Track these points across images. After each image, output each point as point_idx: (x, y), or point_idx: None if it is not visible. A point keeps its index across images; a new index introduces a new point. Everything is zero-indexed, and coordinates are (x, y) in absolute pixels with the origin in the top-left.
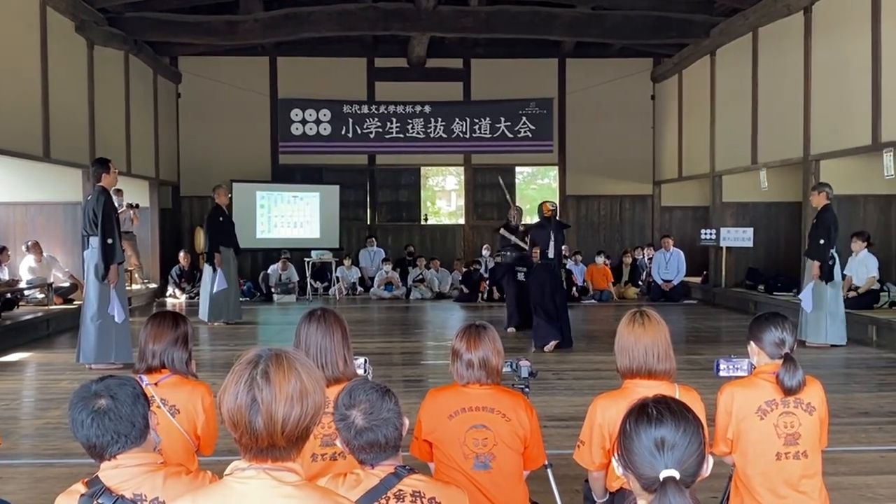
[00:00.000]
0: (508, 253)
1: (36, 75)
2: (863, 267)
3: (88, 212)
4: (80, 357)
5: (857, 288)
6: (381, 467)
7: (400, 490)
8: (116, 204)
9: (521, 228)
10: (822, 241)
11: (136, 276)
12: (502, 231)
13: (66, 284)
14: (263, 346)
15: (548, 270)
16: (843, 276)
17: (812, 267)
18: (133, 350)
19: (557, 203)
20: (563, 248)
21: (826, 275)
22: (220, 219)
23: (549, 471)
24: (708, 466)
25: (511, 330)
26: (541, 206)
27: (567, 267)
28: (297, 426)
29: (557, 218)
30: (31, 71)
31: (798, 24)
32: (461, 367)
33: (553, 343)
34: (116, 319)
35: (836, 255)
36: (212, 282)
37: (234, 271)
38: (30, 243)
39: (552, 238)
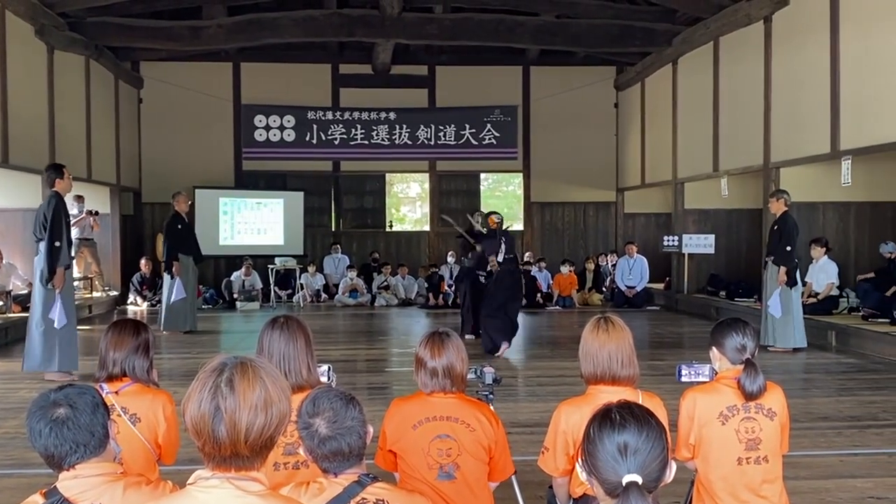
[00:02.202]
0: (465, 259)
1: None
2: (822, 273)
3: (39, 216)
4: (24, 365)
5: (816, 294)
6: (345, 476)
7: (363, 498)
8: (77, 210)
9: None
10: (788, 248)
11: (97, 283)
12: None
13: (25, 291)
14: (229, 354)
15: (509, 273)
16: (804, 283)
17: (779, 273)
18: (83, 360)
19: (503, 215)
20: (515, 252)
21: (792, 280)
22: (179, 226)
23: (513, 477)
24: (671, 472)
25: (469, 337)
26: (487, 217)
27: (531, 273)
28: (260, 435)
29: (504, 228)
30: None
31: (758, 33)
32: (425, 376)
33: (505, 345)
34: (56, 325)
35: (796, 259)
36: (169, 290)
37: (194, 280)
38: None
39: (501, 247)
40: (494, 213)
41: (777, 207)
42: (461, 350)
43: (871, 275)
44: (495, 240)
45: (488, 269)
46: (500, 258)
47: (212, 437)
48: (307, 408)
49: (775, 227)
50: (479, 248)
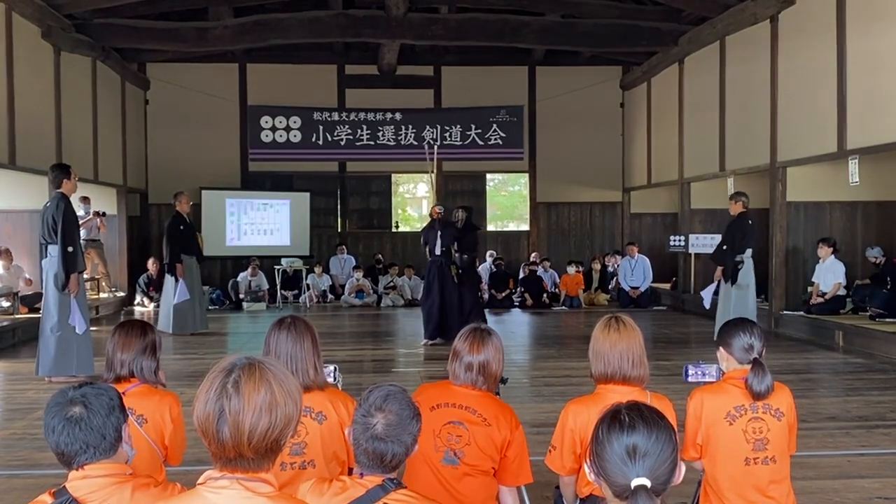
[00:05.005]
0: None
1: (1, 81)
2: (830, 273)
3: (47, 219)
4: (38, 369)
5: (823, 294)
6: (370, 478)
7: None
8: (83, 212)
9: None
10: (724, 248)
11: (104, 284)
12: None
13: (30, 292)
14: (240, 355)
15: (437, 266)
16: (811, 283)
17: (717, 270)
18: (95, 361)
19: (444, 208)
20: (453, 246)
21: (732, 277)
22: (181, 227)
23: None
24: (680, 474)
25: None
26: (431, 210)
27: (537, 274)
28: (264, 438)
29: (459, 221)
30: None
31: (765, 32)
32: (459, 368)
33: (429, 342)
34: (77, 330)
35: (747, 259)
36: (173, 292)
37: (198, 280)
38: (1, 249)
39: (438, 237)
40: (437, 205)
41: (735, 209)
42: (500, 350)
43: (867, 281)
44: (434, 231)
45: (468, 259)
46: (438, 250)
47: (216, 437)
48: (376, 400)
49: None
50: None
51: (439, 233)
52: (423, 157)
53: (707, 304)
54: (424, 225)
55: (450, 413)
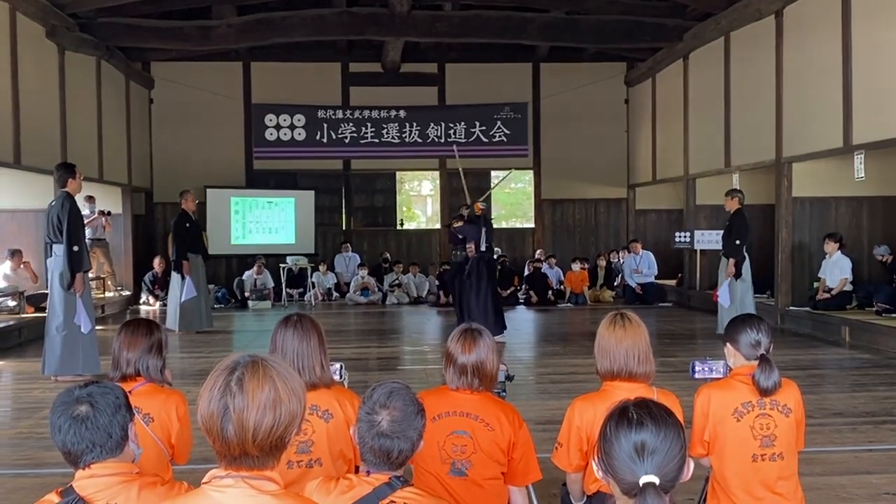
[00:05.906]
0: (458, 252)
1: (6, 81)
2: (836, 268)
3: (53, 218)
4: (45, 369)
5: (830, 289)
6: (376, 476)
7: (391, 501)
8: (88, 211)
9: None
10: (737, 242)
11: (110, 283)
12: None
13: (35, 292)
14: (244, 353)
15: (485, 262)
16: (818, 279)
17: (728, 265)
18: (101, 360)
19: (489, 204)
20: (492, 242)
21: (738, 272)
22: (187, 225)
23: None
24: (689, 470)
25: None
26: (472, 206)
27: (542, 271)
28: (268, 435)
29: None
30: (1, 77)
31: (769, 27)
32: (453, 372)
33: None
34: (83, 329)
35: (745, 254)
36: (180, 290)
37: (204, 278)
38: (11, 250)
39: (483, 234)
40: (480, 201)
41: (731, 205)
42: (493, 349)
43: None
44: (478, 227)
45: (464, 254)
46: (483, 246)
47: (220, 435)
48: (380, 397)
49: (728, 224)
50: (456, 225)
51: (484, 230)
52: (426, 155)
53: (727, 302)
54: (458, 221)
55: (452, 422)
